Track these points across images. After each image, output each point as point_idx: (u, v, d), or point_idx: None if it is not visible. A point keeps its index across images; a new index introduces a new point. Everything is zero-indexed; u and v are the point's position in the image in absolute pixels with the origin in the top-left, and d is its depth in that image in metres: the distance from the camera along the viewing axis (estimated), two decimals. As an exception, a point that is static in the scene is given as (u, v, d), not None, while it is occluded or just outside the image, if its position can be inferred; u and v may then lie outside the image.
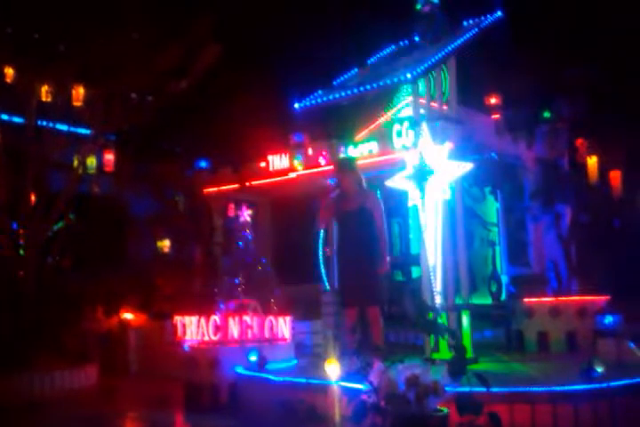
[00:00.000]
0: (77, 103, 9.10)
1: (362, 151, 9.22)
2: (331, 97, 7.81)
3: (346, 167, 6.52)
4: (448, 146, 6.72)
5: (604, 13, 10.38)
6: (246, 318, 7.23)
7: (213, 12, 9.65)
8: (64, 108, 9.19)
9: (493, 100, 9.70)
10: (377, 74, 7.89)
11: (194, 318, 7.26)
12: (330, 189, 6.76)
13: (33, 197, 9.16)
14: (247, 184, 10.72)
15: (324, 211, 6.50)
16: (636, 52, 10.18)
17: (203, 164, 11.62)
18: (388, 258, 6.43)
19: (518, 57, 9.58)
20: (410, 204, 6.94)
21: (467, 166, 6.68)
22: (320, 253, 10.29)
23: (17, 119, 9.20)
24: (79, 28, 8.81)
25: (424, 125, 6.88)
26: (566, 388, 5.08)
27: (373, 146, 9.20)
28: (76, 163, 9.44)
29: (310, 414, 5.67)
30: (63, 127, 9.44)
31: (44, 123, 9.21)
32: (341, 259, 6.57)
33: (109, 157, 9.99)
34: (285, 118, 10.21)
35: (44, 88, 9.04)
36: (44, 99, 9.08)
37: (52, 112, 9.22)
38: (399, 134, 8.90)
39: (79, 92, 9.07)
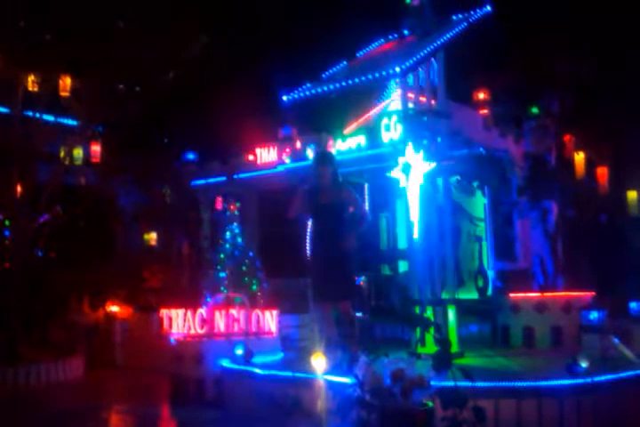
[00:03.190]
0: (64, 93, 9.00)
1: (350, 145, 9.20)
2: (319, 90, 7.78)
3: (324, 161, 6.54)
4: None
5: (592, 10, 10.40)
6: (233, 312, 7.22)
7: (202, 2, 9.61)
8: (51, 98, 9.11)
9: (482, 95, 9.69)
10: (366, 67, 7.86)
11: (180, 312, 7.24)
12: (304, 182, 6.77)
13: (19, 189, 9.09)
14: (235, 177, 10.68)
15: (296, 201, 6.49)
16: (625, 50, 10.21)
17: (190, 156, 11.56)
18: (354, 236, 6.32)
19: (507, 52, 9.59)
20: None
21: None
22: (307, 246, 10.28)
23: (2, 109, 9.11)
24: (66, 18, 8.73)
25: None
26: (551, 383, 5.11)
27: (362, 139, 9.18)
28: (62, 154, 9.37)
29: (296, 407, 5.67)
30: (50, 118, 9.36)
31: (31, 113, 9.13)
32: (313, 253, 6.57)
33: (96, 148, 9.92)
34: (274, 111, 10.17)
35: (31, 78, 8.95)
36: (30, 89, 8.99)
37: (39, 102, 9.14)
38: (387, 128, 8.89)
39: (66, 83, 8.96)
